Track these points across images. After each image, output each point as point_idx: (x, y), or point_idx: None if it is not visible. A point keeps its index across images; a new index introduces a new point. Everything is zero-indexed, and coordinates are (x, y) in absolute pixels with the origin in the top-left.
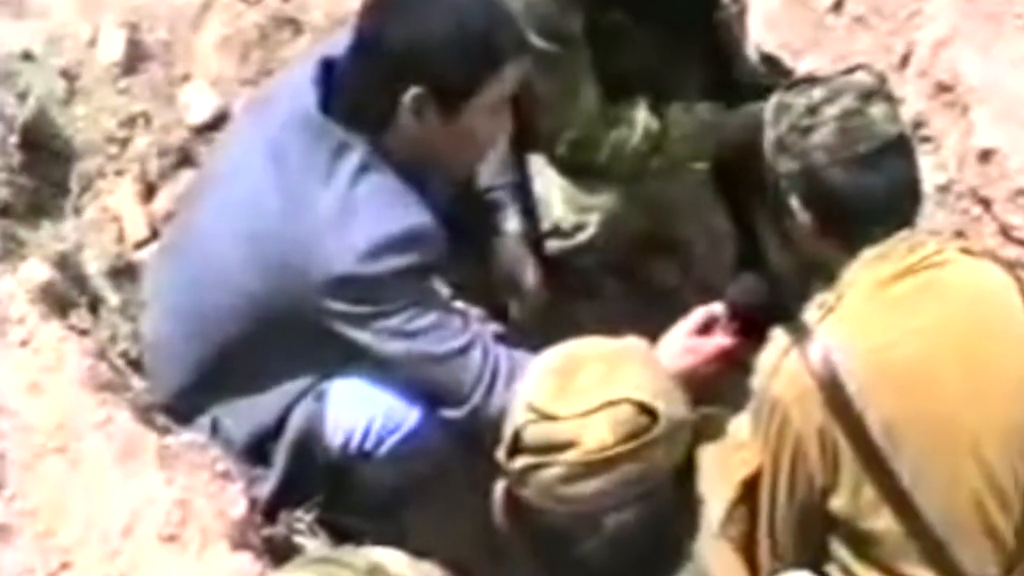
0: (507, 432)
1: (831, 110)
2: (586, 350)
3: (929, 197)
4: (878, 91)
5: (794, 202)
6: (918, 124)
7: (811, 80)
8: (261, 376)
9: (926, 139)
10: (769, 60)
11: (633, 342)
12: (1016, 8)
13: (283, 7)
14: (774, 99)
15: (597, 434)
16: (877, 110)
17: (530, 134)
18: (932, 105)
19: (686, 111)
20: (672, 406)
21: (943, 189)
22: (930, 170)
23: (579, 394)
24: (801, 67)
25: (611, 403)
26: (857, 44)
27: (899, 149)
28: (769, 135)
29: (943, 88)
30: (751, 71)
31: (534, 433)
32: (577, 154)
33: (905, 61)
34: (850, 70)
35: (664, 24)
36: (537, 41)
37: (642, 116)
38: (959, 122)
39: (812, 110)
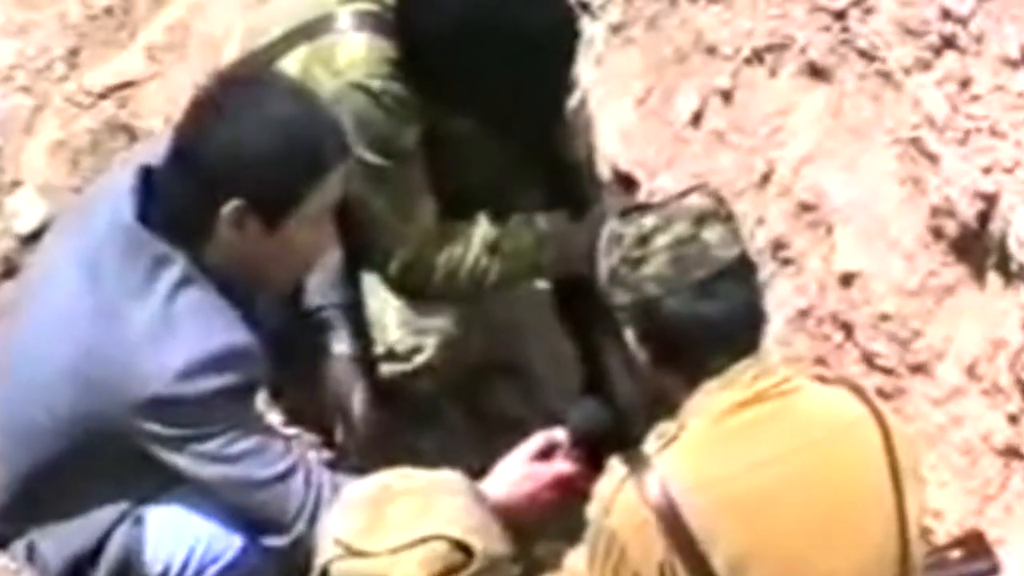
0: (315, 567)
1: (663, 238)
2: (400, 482)
3: (789, 322)
4: (714, 213)
5: (630, 336)
6: (779, 245)
7: (643, 207)
8: (78, 499)
9: (787, 261)
10: (623, 178)
11: (450, 475)
12: (885, 123)
13: (117, 112)
14: (606, 229)
15: (407, 572)
16: (712, 234)
17: (363, 251)
18: (794, 225)
19: (525, 223)
20: (490, 541)
21: (803, 314)
22: (790, 293)
23: (391, 529)
24: (656, 184)
25: (423, 540)
26: (716, 161)
27: (737, 273)
28: (602, 267)
29: (805, 208)
30: (598, 187)
31: (342, 570)
32: (410, 276)
33: (766, 179)
34: (685, 192)
35: (507, 133)
36: (367, 155)
37: (480, 232)
38: (822, 243)
39: (644, 239)
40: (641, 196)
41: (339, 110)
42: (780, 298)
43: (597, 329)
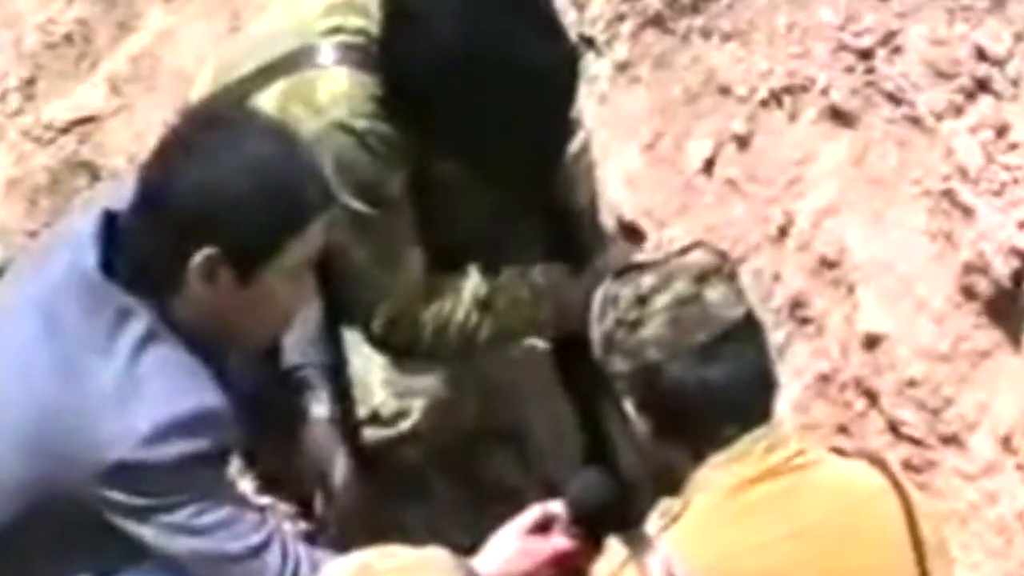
0: None
1: (662, 299)
2: (383, 561)
3: (808, 388)
4: (716, 271)
5: (629, 406)
6: (797, 304)
7: (640, 266)
8: (34, 570)
9: (806, 321)
10: (628, 228)
11: (438, 552)
12: (911, 173)
13: (78, 148)
14: (600, 291)
15: None
16: (715, 293)
17: (344, 306)
18: (813, 283)
19: (520, 276)
20: None
21: (824, 379)
22: (809, 357)
23: None
24: (665, 236)
25: None
26: (729, 212)
27: (743, 334)
28: (596, 332)
29: (826, 264)
30: (601, 238)
31: None
32: (395, 332)
33: (784, 232)
34: (686, 249)
35: (501, 179)
36: (351, 201)
37: (471, 285)
38: (844, 303)
39: (641, 300)
40: (648, 248)
41: (320, 152)
42: (798, 362)
43: (600, 393)
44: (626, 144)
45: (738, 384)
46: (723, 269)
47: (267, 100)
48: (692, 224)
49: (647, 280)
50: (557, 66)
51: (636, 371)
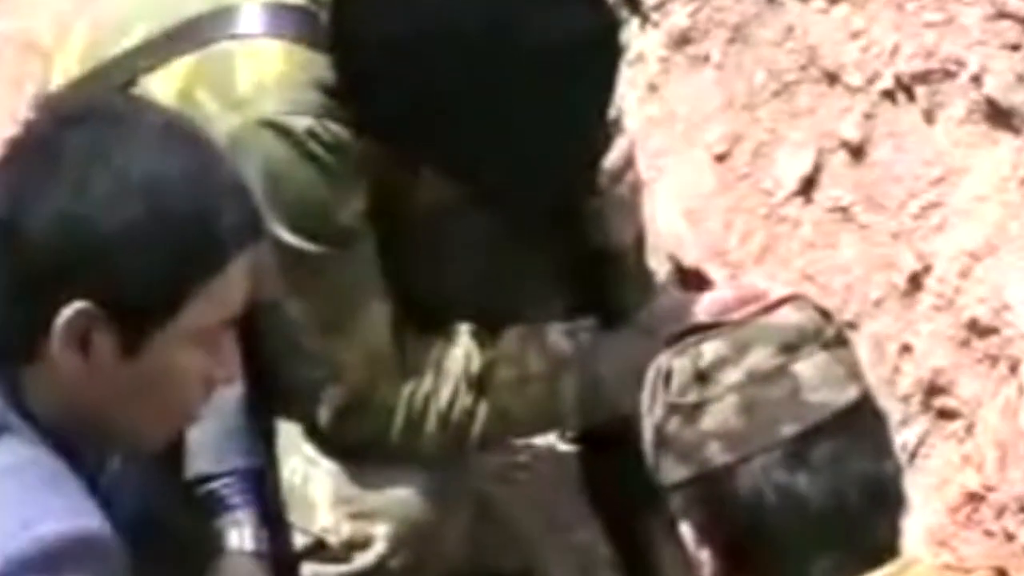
0: None
1: (733, 374)
2: None
3: (952, 510)
4: (814, 336)
5: (687, 531)
6: (935, 389)
7: (704, 328)
8: None
9: (948, 414)
10: (689, 276)
11: None
12: None
13: None
14: (651, 368)
15: None
16: (810, 367)
17: (277, 387)
18: (960, 357)
19: (531, 340)
20: None
21: (973, 497)
22: (953, 465)
23: None
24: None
25: None
26: (836, 252)
27: (852, 429)
28: (646, 425)
29: (978, 329)
30: (648, 288)
31: None
32: (351, 425)
33: (916, 283)
34: (770, 306)
35: (507, 202)
36: (286, 234)
37: (460, 354)
38: (1003, 386)
39: (703, 377)
40: (716, 303)
41: (242, 162)
42: (937, 472)
43: (646, 514)
44: (687, 155)
45: (843, 501)
46: (824, 334)
47: (164, 85)
48: (781, 269)
49: (711, 348)
50: (587, 41)
51: (695, 479)
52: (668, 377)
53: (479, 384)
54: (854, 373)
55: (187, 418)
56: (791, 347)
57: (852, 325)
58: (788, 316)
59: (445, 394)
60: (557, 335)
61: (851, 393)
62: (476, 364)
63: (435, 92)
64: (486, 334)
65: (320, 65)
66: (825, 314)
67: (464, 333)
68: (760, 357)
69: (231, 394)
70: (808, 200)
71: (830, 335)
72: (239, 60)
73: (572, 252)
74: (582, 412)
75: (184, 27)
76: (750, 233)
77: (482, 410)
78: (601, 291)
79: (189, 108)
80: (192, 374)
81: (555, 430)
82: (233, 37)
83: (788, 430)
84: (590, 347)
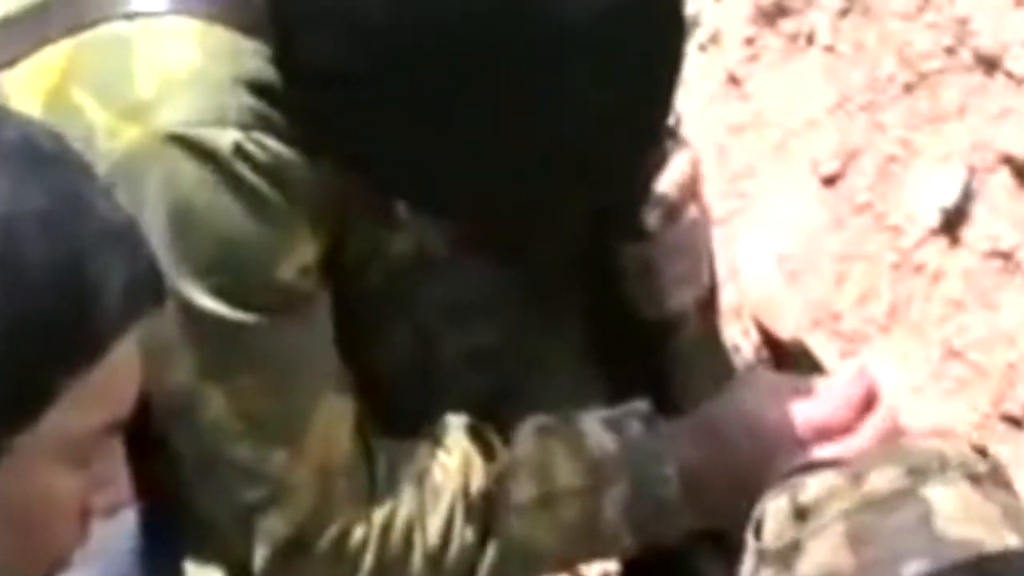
0: None
1: (837, 505)
2: None
3: None
4: (959, 465)
5: None
6: None
7: (812, 467)
8: None
9: None
10: (784, 349)
11: None
12: None
13: None
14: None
15: None
16: (949, 495)
17: (185, 518)
18: None
19: (554, 436)
20: None
21: None
22: None
23: None
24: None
25: None
26: (998, 317)
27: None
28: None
29: None
30: (724, 366)
31: None
32: (296, 569)
33: None
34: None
35: (518, 246)
36: (204, 301)
37: (454, 463)
38: None
39: (803, 513)
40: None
41: (136, 194)
42: None
43: None
44: (782, 177)
45: None
46: (973, 467)
47: (26, 84)
48: (916, 342)
49: (818, 483)
50: (622, 12)
51: None
52: (759, 524)
53: (484, 507)
54: (1016, 520)
55: (54, 562)
56: (924, 470)
57: (1017, 422)
58: (928, 443)
59: (435, 524)
60: (596, 429)
61: (1009, 540)
62: (479, 478)
63: (415, 92)
64: (491, 431)
65: (250, 55)
66: (982, 452)
67: (460, 432)
68: (881, 481)
69: (119, 529)
70: (955, 241)
71: (981, 470)
72: (136, 48)
73: (611, 317)
74: (635, 538)
75: (55, 2)
76: (872, 290)
77: (491, 548)
78: (655, 370)
79: (61, 117)
80: (60, 500)
81: (593, 559)
82: (127, 16)
83: (914, 568)
84: (644, 444)
